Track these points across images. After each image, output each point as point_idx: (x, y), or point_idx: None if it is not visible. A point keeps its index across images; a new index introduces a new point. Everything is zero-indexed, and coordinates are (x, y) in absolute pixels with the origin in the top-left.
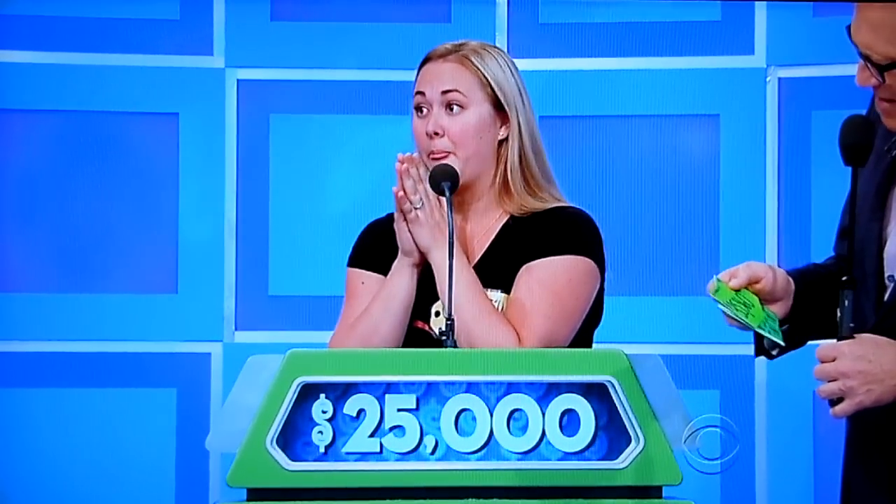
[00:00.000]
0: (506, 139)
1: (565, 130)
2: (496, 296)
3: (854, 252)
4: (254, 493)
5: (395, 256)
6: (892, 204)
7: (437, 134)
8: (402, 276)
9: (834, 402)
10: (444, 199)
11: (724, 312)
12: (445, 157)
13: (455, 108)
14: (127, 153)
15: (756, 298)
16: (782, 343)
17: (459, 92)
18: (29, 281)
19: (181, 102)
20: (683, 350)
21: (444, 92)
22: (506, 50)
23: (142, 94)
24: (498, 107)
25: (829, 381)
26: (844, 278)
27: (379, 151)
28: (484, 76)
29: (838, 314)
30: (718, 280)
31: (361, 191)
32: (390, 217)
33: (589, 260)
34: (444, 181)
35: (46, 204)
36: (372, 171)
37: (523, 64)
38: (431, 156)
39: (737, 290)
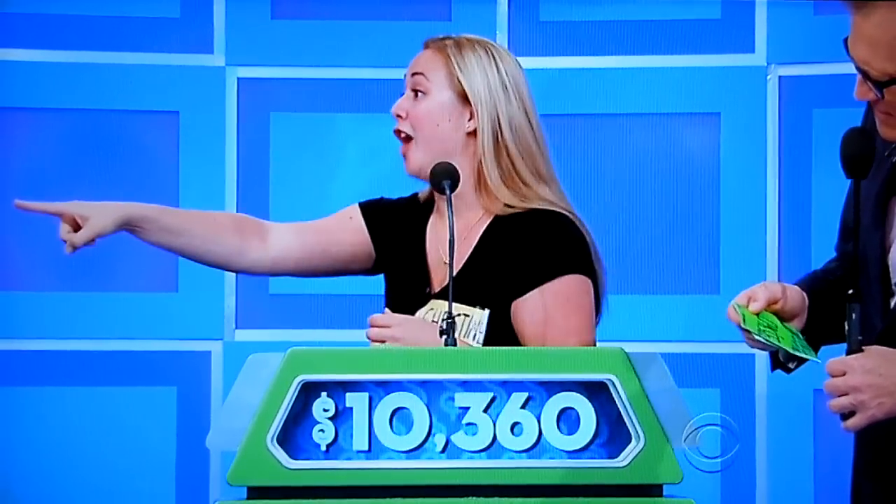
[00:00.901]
0: (474, 132)
1: (565, 129)
2: (476, 312)
3: (857, 259)
4: (254, 492)
5: (397, 240)
6: (894, 209)
7: (399, 116)
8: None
9: (845, 415)
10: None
11: (751, 337)
12: (406, 139)
13: (419, 93)
14: (127, 151)
15: (776, 318)
16: (818, 360)
17: (424, 76)
18: (29, 279)
19: (182, 101)
20: (684, 348)
21: (413, 75)
22: (506, 47)
23: (142, 92)
24: (466, 98)
25: (840, 396)
26: (850, 291)
27: (380, 150)
28: (454, 65)
29: (846, 328)
30: (740, 307)
31: (362, 189)
32: (413, 203)
33: (578, 276)
34: (445, 179)
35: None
36: (372, 170)
37: (523, 62)
38: (397, 135)
39: (757, 314)
